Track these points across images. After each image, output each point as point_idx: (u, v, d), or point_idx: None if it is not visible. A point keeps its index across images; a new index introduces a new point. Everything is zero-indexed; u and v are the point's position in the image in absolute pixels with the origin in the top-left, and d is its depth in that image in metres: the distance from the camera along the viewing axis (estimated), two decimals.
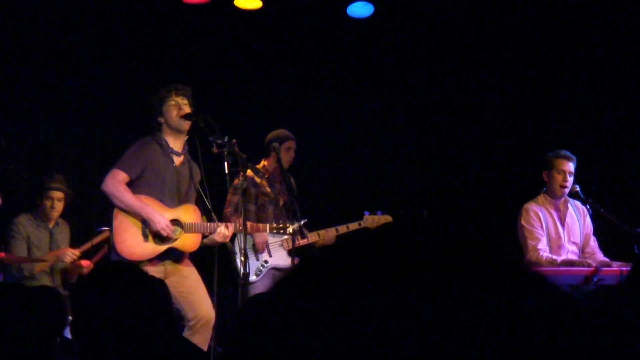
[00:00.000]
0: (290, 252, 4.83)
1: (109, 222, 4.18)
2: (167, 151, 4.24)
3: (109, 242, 4.56)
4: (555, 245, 4.74)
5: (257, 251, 4.96)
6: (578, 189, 4.81)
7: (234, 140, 4.12)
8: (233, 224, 4.30)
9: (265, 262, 4.97)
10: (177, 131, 4.26)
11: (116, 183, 4.05)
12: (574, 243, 4.81)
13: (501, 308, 0.52)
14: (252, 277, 4.88)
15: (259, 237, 4.91)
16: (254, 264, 4.90)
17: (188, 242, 4.17)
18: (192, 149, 4.35)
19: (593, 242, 4.87)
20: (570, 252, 4.75)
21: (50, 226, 5.40)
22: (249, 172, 4.50)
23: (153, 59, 6.37)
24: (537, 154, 5.03)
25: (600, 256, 4.76)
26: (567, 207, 4.84)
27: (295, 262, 4.68)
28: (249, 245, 4.80)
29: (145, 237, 4.05)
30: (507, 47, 6.49)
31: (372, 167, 6.92)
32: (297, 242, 4.71)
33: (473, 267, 0.56)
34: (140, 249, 4.06)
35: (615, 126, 6.13)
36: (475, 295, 0.53)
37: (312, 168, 6.68)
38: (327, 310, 0.53)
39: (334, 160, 6.92)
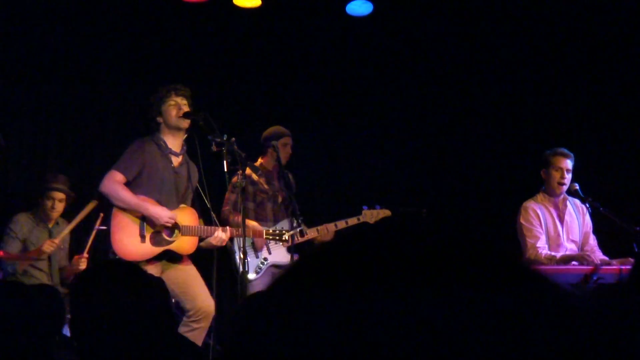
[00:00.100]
0: (290, 249, 4.83)
1: (107, 222, 4.19)
2: (166, 152, 4.24)
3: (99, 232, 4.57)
4: (554, 243, 4.74)
5: (256, 249, 4.96)
6: (577, 187, 4.82)
7: (233, 139, 4.11)
8: (230, 229, 4.30)
9: (265, 259, 4.97)
10: (176, 130, 4.25)
11: (114, 183, 4.06)
12: (572, 241, 4.81)
13: (500, 307, 0.52)
14: (252, 275, 4.87)
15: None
16: (253, 262, 4.89)
17: (185, 244, 4.17)
18: (191, 147, 4.34)
19: (592, 241, 4.87)
20: (569, 250, 4.76)
21: (50, 225, 5.38)
22: (247, 170, 4.50)
23: (152, 57, 6.37)
24: (536, 152, 5.03)
25: (599, 255, 4.76)
26: (566, 205, 4.84)
27: (295, 259, 4.68)
28: (248, 243, 4.79)
29: (143, 238, 4.06)
30: (506, 45, 6.49)
31: (371, 165, 6.92)
32: (296, 239, 4.70)
33: (472, 265, 0.55)
34: (137, 250, 4.07)
35: (615, 124, 6.13)
36: (474, 294, 0.53)
37: (311, 165, 6.68)
38: (325, 308, 0.53)
39: (334, 159, 6.92)
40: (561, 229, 4.78)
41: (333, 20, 6.43)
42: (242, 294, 4.22)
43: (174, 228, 4.15)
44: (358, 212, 5.14)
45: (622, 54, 6.00)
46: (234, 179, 4.69)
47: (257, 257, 4.95)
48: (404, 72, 6.87)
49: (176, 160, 4.29)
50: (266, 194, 5.06)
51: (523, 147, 6.36)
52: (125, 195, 4.04)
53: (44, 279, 5.22)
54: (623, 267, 4.19)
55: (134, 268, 2.07)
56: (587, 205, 4.86)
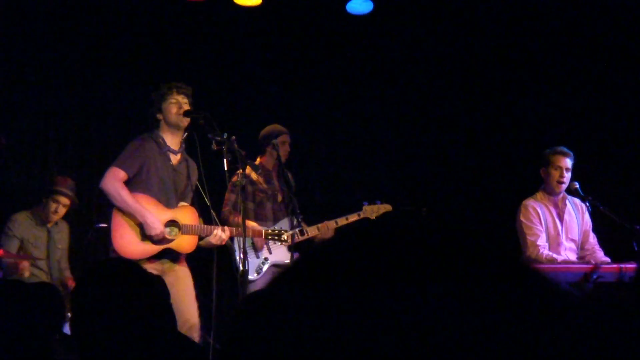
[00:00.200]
0: (291, 249, 4.81)
1: (107, 220, 4.18)
2: (164, 149, 4.23)
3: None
4: (554, 242, 4.75)
5: (256, 249, 4.94)
6: (577, 186, 4.82)
7: (233, 137, 4.11)
8: (230, 228, 4.29)
9: (266, 259, 4.94)
10: (175, 128, 4.25)
11: (115, 182, 4.04)
12: (572, 240, 4.81)
13: (499, 305, 0.52)
14: (254, 276, 4.84)
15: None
16: (254, 262, 4.86)
17: (184, 243, 4.17)
18: (191, 146, 4.34)
19: (592, 239, 4.87)
20: (568, 249, 4.76)
21: (49, 226, 5.37)
22: (247, 169, 4.49)
23: (153, 56, 6.37)
24: (536, 151, 5.03)
25: (600, 254, 4.76)
26: (565, 204, 4.84)
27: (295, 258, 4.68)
28: (248, 243, 4.77)
29: (143, 236, 4.06)
30: (507, 44, 6.49)
31: (371, 164, 6.92)
32: (296, 238, 4.69)
33: (472, 263, 0.56)
34: (138, 248, 4.06)
35: (615, 123, 6.13)
36: (474, 292, 0.53)
37: (311, 164, 6.68)
38: (324, 306, 0.53)
39: (334, 158, 6.92)
40: (561, 228, 4.78)
41: (333, 19, 6.42)
42: (242, 294, 4.21)
43: (174, 227, 4.15)
44: (358, 209, 5.13)
45: (622, 53, 6.00)
46: (234, 178, 4.68)
47: (257, 257, 4.92)
48: (404, 70, 6.87)
49: (175, 158, 4.29)
50: (265, 193, 5.04)
51: (523, 146, 6.36)
52: (125, 198, 4.02)
53: (42, 277, 5.22)
54: (623, 265, 4.19)
55: (134, 267, 2.07)
56: (587, 204, 4.86)
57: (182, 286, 4.14)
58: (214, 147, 4.10)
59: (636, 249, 4.57)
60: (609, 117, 6.15)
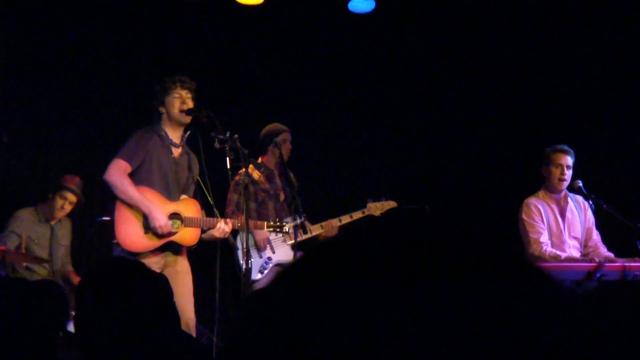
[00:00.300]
0: (294, 247, 4.79)
1: (109, 213, 4.18)
2: (166, 142, 4.24)
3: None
4: (556, 240, 4.74)
5: (259, 249, 4.90)
6: (580, 184, 4.82)
7: (236, 136, 4.11)
8: (232, 220, 4.29)
9: (269, 258, 4.90)
10: (177, 124, 4.26)
11: (119, 174, 4.04)
12: (574, 238, 4.81)
13: (502, 303, 0.52)
14: (257, 276, 4.79)
15: (260, 235, 4.82)
16: (257, 262, 4.80)
17: (187, 236, 4.17)
18: (194, 144, 4.34)
19: (596, 236, 4.87)
20: (572, 247, 4.75)
21: (53, 223, 5.36)
22: (250, 168, 4.49)
23: (155, 54, 6.37)
24: (537, 150, 5.02)
25: (604, 251, 4.75)
26: (567, 202, 4.84)
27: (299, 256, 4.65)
28: (250, 243, 4.75)
29: (146, 229, 4.06)
30: (508, 42, 6.48)
31: (373, 162, 6.91)
32: (299, 236, 4.67)
33: (474, 261, 0.56)
34: (141, 241, 4.07)
35: (617, 121, 6.11)
36: (477, 290, 0.53)
37: (313, 162, 6.68)
38: (328, 305, 0.53)
39: (336, 156, 6.91)
40: (563, 226, 4.78)
41: (335, 17, 6.42)
42: (245, 292, 4.21)
43: (176, 219, 4.15)
44: (363, 206, 5.11)
45: (622, 51, 5.99)
46: (237, 177, 4.67)
47: (260, 257, 4.88)
48: (406, 69, 6.86)
49: (176, 151, 4.29)
50: (267, 192, 5.02)
51: (524, 145, 6.35)
52: (129, 190, 4.03)
53: (45, 273, 5.21)
54: (627, 264, 4.18)
55: (138, 265, 2.07)
56: (591, 202, 4.86)
57: (180, 282, 4.14)
58: (217, 145, 4.10)
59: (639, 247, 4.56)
60: (612, 115, 6.13)
